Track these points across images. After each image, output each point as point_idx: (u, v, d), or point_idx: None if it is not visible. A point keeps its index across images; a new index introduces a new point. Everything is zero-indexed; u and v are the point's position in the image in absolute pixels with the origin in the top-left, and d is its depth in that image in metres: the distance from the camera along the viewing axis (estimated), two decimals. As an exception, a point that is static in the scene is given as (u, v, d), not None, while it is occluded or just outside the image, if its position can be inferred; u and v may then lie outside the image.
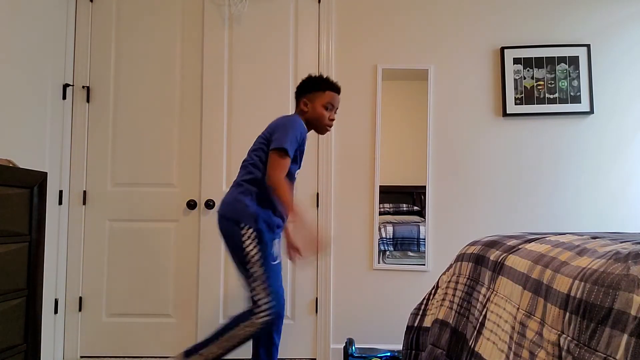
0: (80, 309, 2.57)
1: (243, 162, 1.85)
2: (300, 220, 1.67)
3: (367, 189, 2.64)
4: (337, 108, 1.93)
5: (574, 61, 2.64)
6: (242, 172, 1.82)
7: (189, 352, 1.72)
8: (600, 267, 0.92)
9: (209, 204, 2.57)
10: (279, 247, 1.86)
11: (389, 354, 2.25)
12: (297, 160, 1.83)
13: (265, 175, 1.74)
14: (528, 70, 2.65)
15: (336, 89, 1.91)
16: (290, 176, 1.82)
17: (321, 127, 1.90)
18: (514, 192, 2.64)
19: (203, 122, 2.61)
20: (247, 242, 1.70)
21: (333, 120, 1.90)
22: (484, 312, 1.31)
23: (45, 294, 2.35)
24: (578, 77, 2.63)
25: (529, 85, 2.65)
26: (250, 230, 1.70)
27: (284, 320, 1.88)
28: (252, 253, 1.69)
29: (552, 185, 2.64)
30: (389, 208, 2.68)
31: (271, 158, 1.71)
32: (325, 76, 1.93)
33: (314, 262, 2.61)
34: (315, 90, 1.87)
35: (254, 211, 1.72)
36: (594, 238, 1.19)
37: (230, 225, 1.73)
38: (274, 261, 1.76)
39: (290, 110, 2.63)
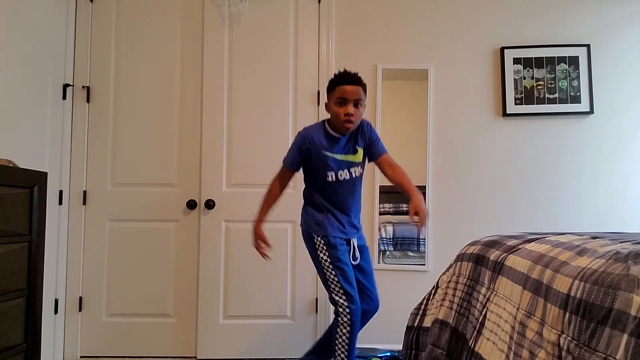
0: (80, 309, 2.57)
1: None
2: (254, 233, 1.91)
3: (367, 189, 2.64)
4: (355, 100, 1.77)
5: (574, 61, 2.64)
6: None
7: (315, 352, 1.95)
8: (600, 267, 0.92)
9: (209, 204, 2.57)
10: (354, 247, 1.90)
11: (389, 354, 2.25)
12: (311, 165, 1.86)
13: (307, 187, 1.93)
14: (528, 70, 2.65)
15: (344, 80, 1.78)
16: (325, 182, 1.85)
17: (339, 126, 1.81)
18: (514, 192, 2.64)
19: (203, 122, 2.61)
20: (319, 250, 1.85)
21: (349, 114, 1.75)
22: (484, 312, 1.31)
23: (45, 294, 2.34)
24: (578, 77, 2.63)
25: (529, 85, 2.65)
26: (319, 239, 1.84)
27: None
28: (324, 259, 1.83)
29: (552, 185, 2.64)
30: (389, 208, 2.68)
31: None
32: (337, 72, 1.84)
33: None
34: (328, 92, 1.84)
35: (316, 220, 1.86)
36: (594, 238, 1.19)
37: (306, 239, 1.92)
38: (346, 264, 1.84)
39: (290, 110, 2.64)
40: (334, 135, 1.84)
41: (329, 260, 1.80)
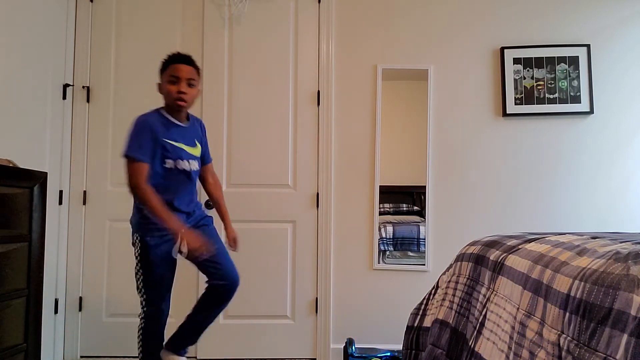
0: (80, 309, 2.57)
1: None
2: (184, 233, 1.67)
3: (367, 189, 2.64)
4: (188, 79, 1.75)
5: (574, 61, 2.64)
6: None
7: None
8: (600, 267, 0.92)
9: (209, 204, 2.56)
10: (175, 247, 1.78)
11: (389, 354, 2.25)
12: (168, 151, 1.74)
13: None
14: (528, 70, 2.65)
15: (177, 59, 1.77)
16: (182, 171, 1.79)
17: (172, 104, 1.77)
18: (513, 192, 2.64)
19: (203, 122, 2.60)
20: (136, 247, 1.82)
21: (182, 92, 1.74)
22: (484, 312, 1.31)
23: (45, 294, 2.34)
24: (578, 77, 2.63)
25: (529, 85, 2.65)
26: (140, 239, 1.80)
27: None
28: (138, 259, 1.81)
29: (552, 185, 2.64)
30: (389, 208, 2.68)
31: (126, 164, 1.69)
32: (172, 53, 1.82)
33: (314, 263, 2.61)
34: (161, 72, 1.82)
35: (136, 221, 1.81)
36: (594, 238, 1.19)
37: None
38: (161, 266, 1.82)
39: (290, 110, 2.64)
40: (169, 120, 1.80)
41: (142, 262, 1.80)
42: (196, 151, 1.89)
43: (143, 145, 1.69)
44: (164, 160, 1.75)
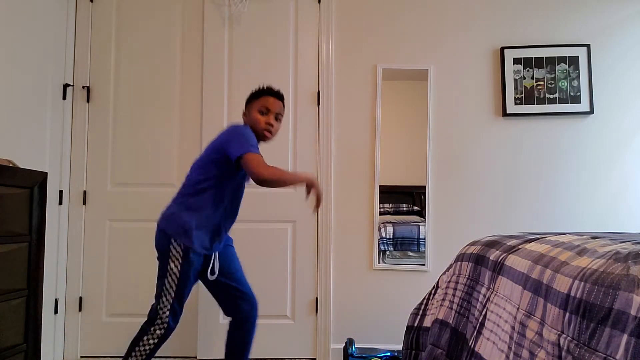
0: (80, 309, 2.57)
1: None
2: (312, 183, 1.66)
3: (367, 189, 2.64)
4: (277, 113, 1.83)
5: (574, 61, 2.64)
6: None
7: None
8: (600, 267, 0.92)
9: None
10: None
11: (389, 354, 2.25)
12: (232, 166, 1.74)
13: (203, 185, 1.73)
14: (528, 70, 2.65)
15: (270, 92, 1.84)
16: (239, 188, 1.82)
17: (258, 133, 1.81)
18: (514, 192, 2.64)
19: (203, 122, 2.61)
20: (172, 257, 1.71)
21: (270, 124, 1.80)
22: (484, 312, 1.31)
23: (45, 294, 2.35)
24: (578, 77, 2.63)
25: (529, 85, 2.65)
26: (179, 247, 1.70)
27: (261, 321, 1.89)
28: (173, 270, 1.71)
29: (552, 185, 2.64)
30: (389, 208, 2.68)
31: (245, 163, 1.65)
32: (263, 85, 1.88)
33: (314, 263, 2.61)
34: (250, 100, 1.87)
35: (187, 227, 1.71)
36: (594, 238, 1.19)
37: (161, 237, 1.75)
38: (191, 283, 1.76)
39: (290, 110, 2.64)
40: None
41: (177, 273, 1.70)
42: None
43: (253, 142, 1.70)
44: (245, 178, 1.81)
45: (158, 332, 1.72)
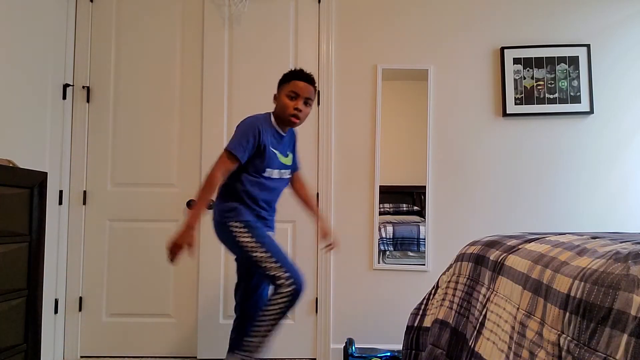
0: (80, 309, 2.57)
1: None
2: (186, 231, 1.66)
3: (367, 189, 2.64)
4: (306, 97, 1.80)
5: (574, 61, 2.64)
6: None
7: (231, 348, 1.83)
8: (600, 267, 0.92)
9: (209, 204, 2.57)
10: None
11: (389, 354, 2.25)
12: (263, 156, 1.78)
13: (234, 179, 1.80)
14: (528, 70, 2.65)
15: (300, 76, 1.81)
16: (266, 179, 1.82)
17: (285, 119, 1.81)
18: (514, 192, 2.64)
19: (203, 122, 2.61)
20: (238, 235, 1.75)
21: (298, 109, 1.78)
22: (484, 312, 1.31)
23: (45, 294, 2.34)
24: (578, 77, 2.63)
25: (529, 85, 2.65)
26: (238, 224, 1.75)
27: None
28: (247, 241, 1.74)
29: (552, 185, 2.64)
30: (389, 208, 2.68)
31: (218, 158, 1.76)
32: (295, 68, 1.87)
33: (314, 263, 2.61)
34: (281, 84, 1.86)
35: (232, 206, 1.78)
36: (594, 238, 1.19)
37: (220, 231, 1.82)
38: (271, 239, 1.80)
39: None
40: (276, 129, 1.84)
41: (253, 240, 1.73)
42: (288, 161, 1.92)
43: (244, 145, 1.73)
44: (263, 166, 1.80)
45: (288, 288, 1.69)
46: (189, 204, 2.53)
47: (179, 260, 1.71)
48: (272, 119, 1.86)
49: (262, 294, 1.94)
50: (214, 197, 1.78)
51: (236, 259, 1.94)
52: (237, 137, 1.76)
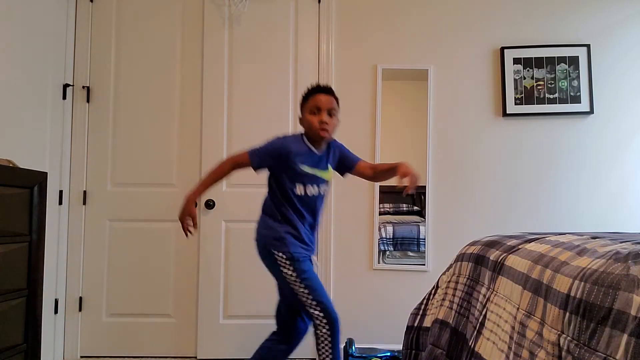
0: (80, 309, 2.57)
1: None
2: (185, 206, 1.77)
3: (367, 189, 2.64)
4: (329, 109, 1.79)
5: (574, 61, 2.64)
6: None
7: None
8: (600, 267, 0.92)
9: (209, 204, 2.57)
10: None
11: (389, 354, 2.25)
12: (299, 176, 1.78)
13: (271, 197, 1.82)
14: (528, 70, 2.65)
15: (317, 90, 1.82)
16: (310, 197, 1.81)
17: (315, 135, 1.80)
18: (514, 192, 2.64)
19: (203, 122, 2.61)
20: (282, 266, 1.76)
21: (323, 122, 1.77)
22: (484, 312, 1.31)
23: (45, 294, 2.34)
24: (578, 77, 2.63)
25: (529, 85, 2.65)
26: (282, 255, 1.75)
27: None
28: (289, 274, 1.75)
29: (552, 185, 2.64)
30: (389, 208, 2.68)
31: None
32: (310, 85, 1.87)
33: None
34: (302, 104, 1.86)
35: (279, 235, 1.77)
36: (594, 238, 1.19)
37: (263, 253, 1.82)
38: (313, 273, 1.80)
39: (290, 110, 2.64)
40: (310, 149, 1.82)
41: (295, 274, 1.74)
42: (327, 175, 1.89)
43: (263, 157, 1.78)
44: (295, 184, 1.78)
45: (323, 330, 1.72)
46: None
47: (193, 231, 1.79)
48: (305, 139, 1.84)
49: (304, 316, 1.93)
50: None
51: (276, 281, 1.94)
52: (261, 145, 1.81)
